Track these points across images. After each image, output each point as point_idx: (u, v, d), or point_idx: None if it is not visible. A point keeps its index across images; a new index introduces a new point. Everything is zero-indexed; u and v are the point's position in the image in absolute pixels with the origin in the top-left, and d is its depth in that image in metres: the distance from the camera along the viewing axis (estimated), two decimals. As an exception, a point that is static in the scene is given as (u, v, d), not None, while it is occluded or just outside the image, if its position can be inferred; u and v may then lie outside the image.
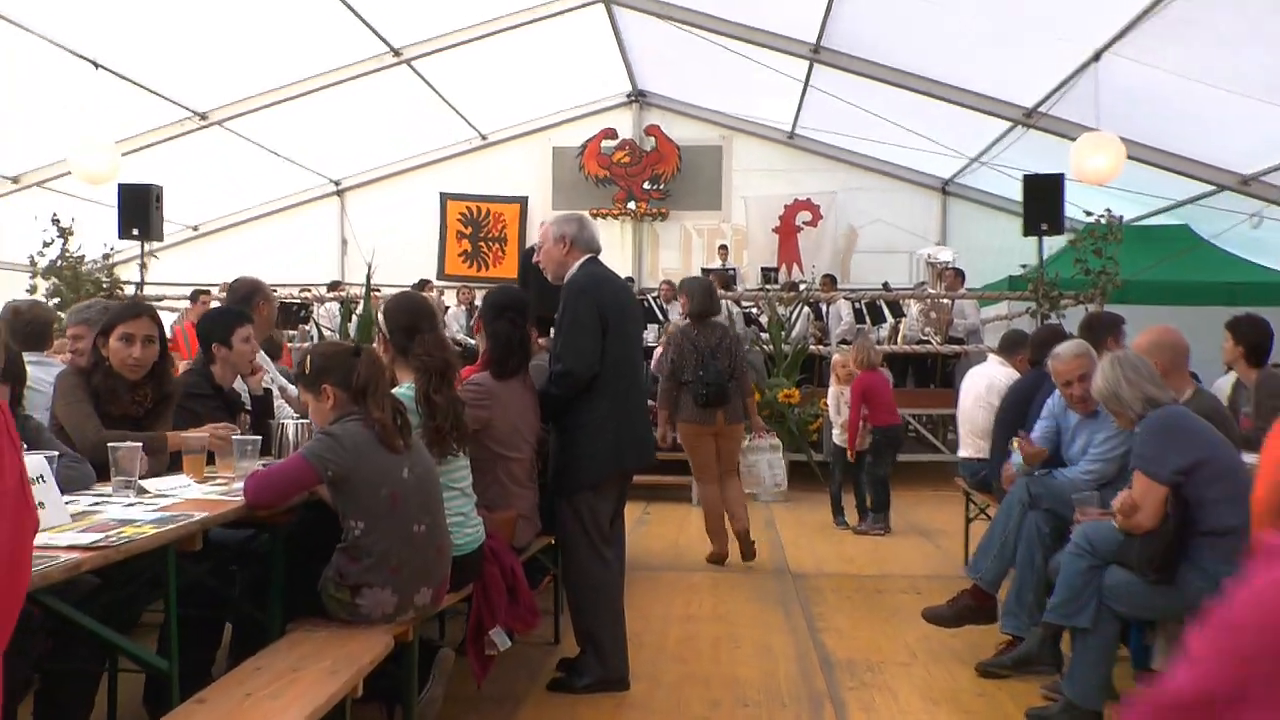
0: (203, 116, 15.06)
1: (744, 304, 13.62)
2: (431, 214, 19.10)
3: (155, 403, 4.28)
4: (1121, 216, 11.81)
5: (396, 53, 14.82)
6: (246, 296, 5.72)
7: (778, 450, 10.17)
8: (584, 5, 14.98)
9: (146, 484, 3.67)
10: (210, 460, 4.14)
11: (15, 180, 15.13)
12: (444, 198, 19.01)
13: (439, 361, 4.00)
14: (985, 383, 7.37)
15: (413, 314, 4.22)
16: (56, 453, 3.21)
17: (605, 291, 4.83)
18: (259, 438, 4.10)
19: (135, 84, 13.48)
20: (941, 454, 12.07)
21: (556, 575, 5.53)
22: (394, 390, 3.97)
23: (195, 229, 19.33)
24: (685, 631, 5.95)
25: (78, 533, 2.82)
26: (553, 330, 4.98)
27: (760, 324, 13.22)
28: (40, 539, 2.71)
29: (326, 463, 3.42)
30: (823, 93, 15.56)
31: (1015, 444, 5.67)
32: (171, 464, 4.18)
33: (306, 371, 3.65)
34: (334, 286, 13.91)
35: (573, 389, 4.71)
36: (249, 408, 4.96)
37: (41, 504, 2.85)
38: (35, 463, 2.87)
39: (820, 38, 13.85)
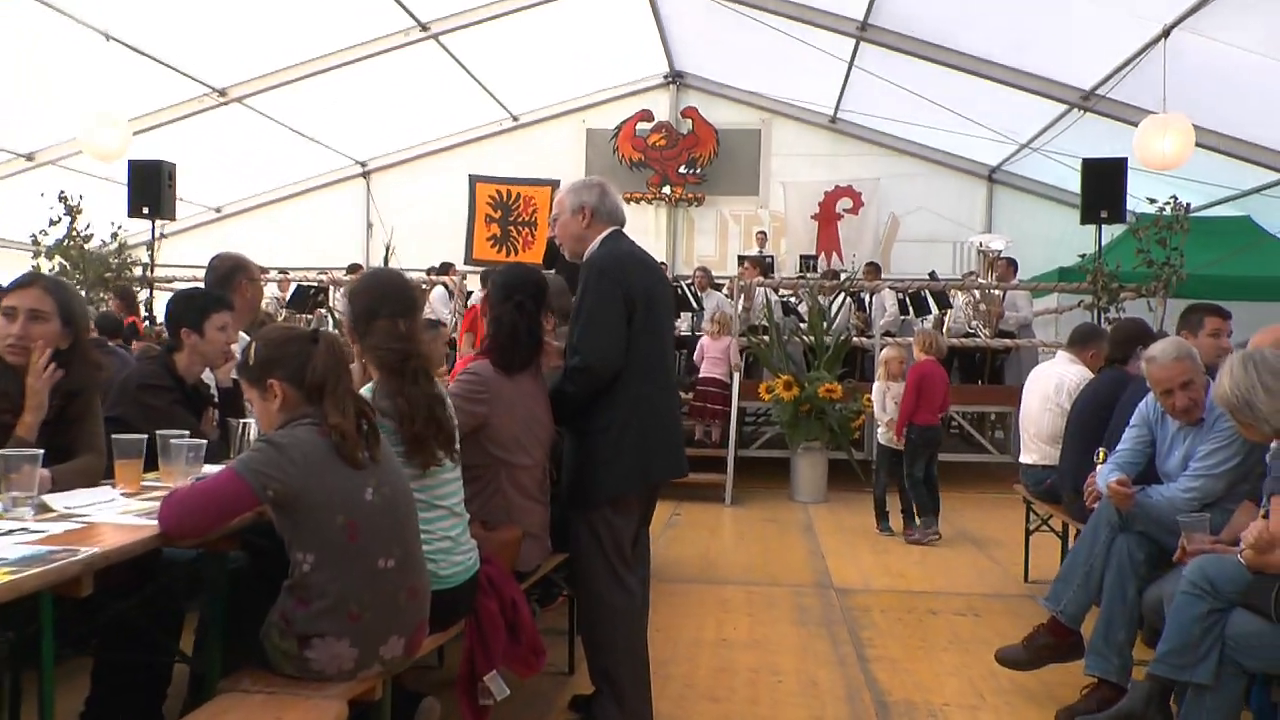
0: (221, 93, 14.45)
1: (782, 293, 12.83)
2: (460, 197, 18.33)
3: (65, 401, 3.51)
4: (1189, 204, 10.93)
5: (424, 27, 14.13)
6: (227, 276, 4.98)
7: None
8: (620, -21, 14.24)
9: (54, 499, 2.95)
10: (154, 465, 3.41)
11: (29, 158, 14.59)
12: (473, 180, 18.29)
13: (392, 354, 3.25)
14: (1054, 382, 6.56)
15: (372, 294, 3.46)
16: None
17: (631, 272, 4.05)
18: (203, 441, 3.36)
19: (149, 57, 12.88)
20: (989, 454, 11.26)
21: (572, 596, 4.77)
22: (365, 389, 3.24)
23: (218, 210, 18.79)
24: (718, 661, 5.19)
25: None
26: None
27: (799, 314, 12.43)
28: None
29: (266, 479, 2.66)
30: (868, 74, 14.75)
31: (1100, 455, 4.89)
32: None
33: (250, 362, 2.91)
34: (353, 270, 13.18)
35: (591, 387, 3.95)
36: (217, 401, 4.26)
37: None
38: None
39: (868, 15, 13.10)
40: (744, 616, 6.03)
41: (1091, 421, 5.79)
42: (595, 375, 3.92)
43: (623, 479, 4.00)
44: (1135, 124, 11.52)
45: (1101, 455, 4.86)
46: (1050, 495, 6.46)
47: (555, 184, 18.03)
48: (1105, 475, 4.62)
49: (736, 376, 10.63)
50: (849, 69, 15.08)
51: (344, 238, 18.14)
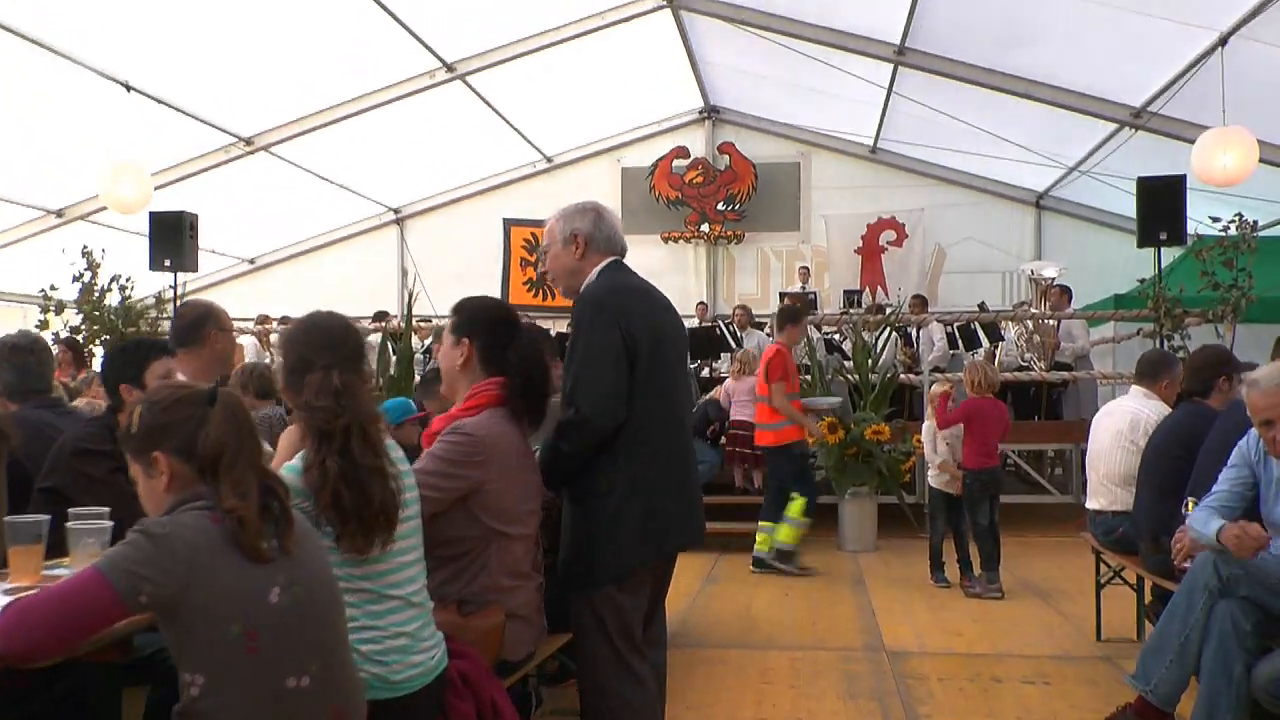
0: (248, 142, 14.05)
1: (825, 330, 12.16)
2: (495, 241, 17.80)
3: None
4: (1256, 221, 10.15)
5: (449, 68, 13.68)
6: (195, 324, 4.42)
7: None
8: (649, 11, 13.69)
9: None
10: (64, 550, 2.82)
11: (59, 214, 14.27)
12: (507, 224, 17.70)
13: (320, 413, 2.63)
14: (1129, 418, 5.81)
15: (305, 343, 2.86)
16: None
17: (633, 305, 3.45)
18: (109, 524, 2.75)
19: (172, 108, 12.48)
20: (1049, 495, 10.49)
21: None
22: (288, 466, 2.64)
23: (252, 262, 18.42)
24: (754, 746, 4.54)
25: None
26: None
27: (844, 351, 11.74)
28: None
29: (137, 581, 2.04)
30: (907, 99, 14.13)
31: (1189, 505, 4.19)
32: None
33: (133, 430, 2.32)
34: (379, 318, 12.63)
35: (590, 443, 3.33)
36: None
37: None
38: None
39: (905, 38, 12.47)
40: (787, 689, 5.34)
41: (1169, 462, 5.11)
42: (594, 429, 3.31)
43: (631, 552, 3.38)
44: (1191, 141, 10.84)
45: (1190, 505, 4.17)
46: (1123, 545, 5.76)
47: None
48: (1201, 523, 3.92)
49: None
50: (888, 96, 14.46)
51: (378, 286, 17.63)
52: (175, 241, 11.43)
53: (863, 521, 9.41)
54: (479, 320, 3.50)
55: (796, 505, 8.10)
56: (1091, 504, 6.13)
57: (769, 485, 8.54)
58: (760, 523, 8.32)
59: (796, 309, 8.73)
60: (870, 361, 10.15)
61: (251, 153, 14.16)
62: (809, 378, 10.12)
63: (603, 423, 3.30)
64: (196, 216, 11.84)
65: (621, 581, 3.36)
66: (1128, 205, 12.53)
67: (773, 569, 8.18)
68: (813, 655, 5.95)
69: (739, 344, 12.02)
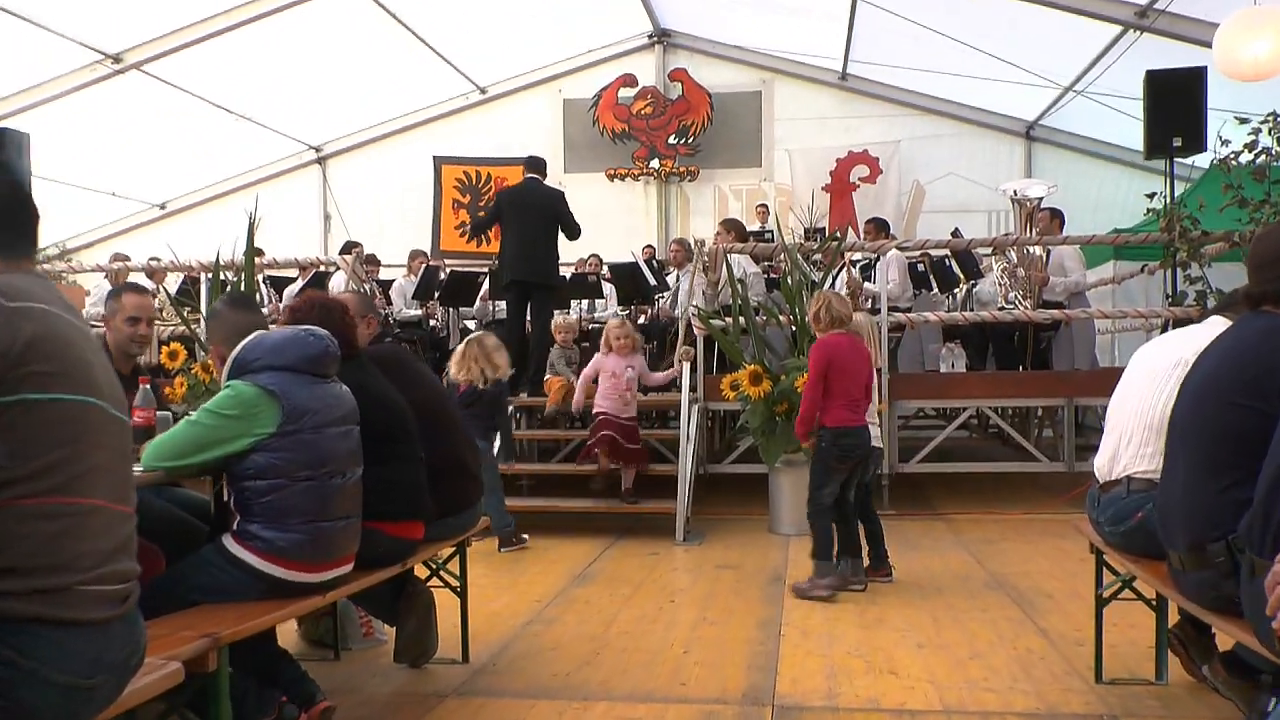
0: (116, 60, 11.72)
1: (764, 264, 9.89)
2: (425, 181, 15.58)
3: None
4: (1292, 123, 7.84)
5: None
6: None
7: None
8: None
9: None
10: None
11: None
12: (438, 162, 15.53)
13: None
14: (1193, 347, 3.41)
15: None
16: None
17: None
18: None
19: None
20: (1038, 462, 8.25)
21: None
22: None
23: (162, 207, 16.22)
24: None
25: None
26: None
27: (798, 291, 9.42)
28: None
29: None
30: (878, 9, 11.78)
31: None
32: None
33: None
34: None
35: None
36: None
37: None
38: None
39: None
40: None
41: (1228, 415, 2.84)
42: None
43: None
44: (1207, 44, 8.59)
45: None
46: (1139, 541, 3.54)
47: (529, 162, 15.28)
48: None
49: (685, 367, 7.64)
50: (854, 5, 12.14)
51: (301, 231, 15.46)
52: (-1, 167, 9.24)
53: (798, 497, 7.14)
54: None
55: None
56: (1102, 470, 3.84)
57: None
58: None
59: None
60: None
61: (120, 71, 11.85)
62: (729, 320, 7.88)
63: None
64: (27, 136, 9.60)
65: None
66: (1129, 133, 10.31)
67: None
68: (660, 714, 3.72)
69: (665, 285, 9.73)
